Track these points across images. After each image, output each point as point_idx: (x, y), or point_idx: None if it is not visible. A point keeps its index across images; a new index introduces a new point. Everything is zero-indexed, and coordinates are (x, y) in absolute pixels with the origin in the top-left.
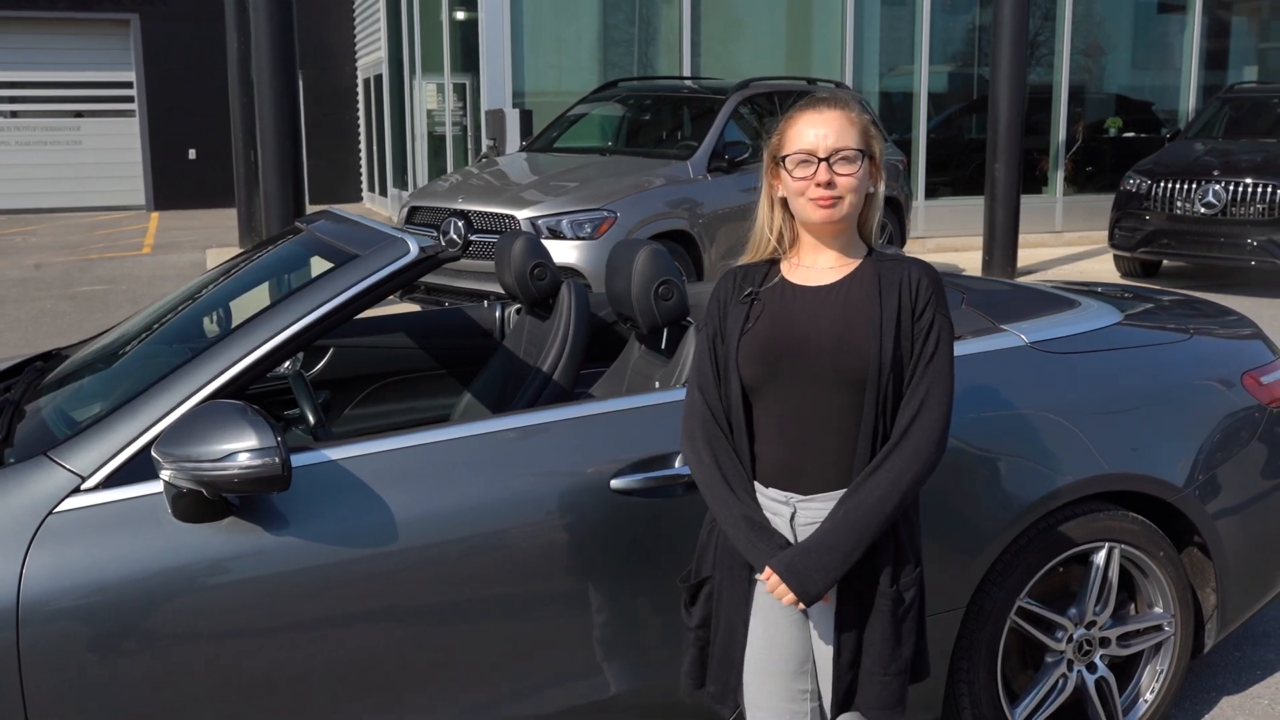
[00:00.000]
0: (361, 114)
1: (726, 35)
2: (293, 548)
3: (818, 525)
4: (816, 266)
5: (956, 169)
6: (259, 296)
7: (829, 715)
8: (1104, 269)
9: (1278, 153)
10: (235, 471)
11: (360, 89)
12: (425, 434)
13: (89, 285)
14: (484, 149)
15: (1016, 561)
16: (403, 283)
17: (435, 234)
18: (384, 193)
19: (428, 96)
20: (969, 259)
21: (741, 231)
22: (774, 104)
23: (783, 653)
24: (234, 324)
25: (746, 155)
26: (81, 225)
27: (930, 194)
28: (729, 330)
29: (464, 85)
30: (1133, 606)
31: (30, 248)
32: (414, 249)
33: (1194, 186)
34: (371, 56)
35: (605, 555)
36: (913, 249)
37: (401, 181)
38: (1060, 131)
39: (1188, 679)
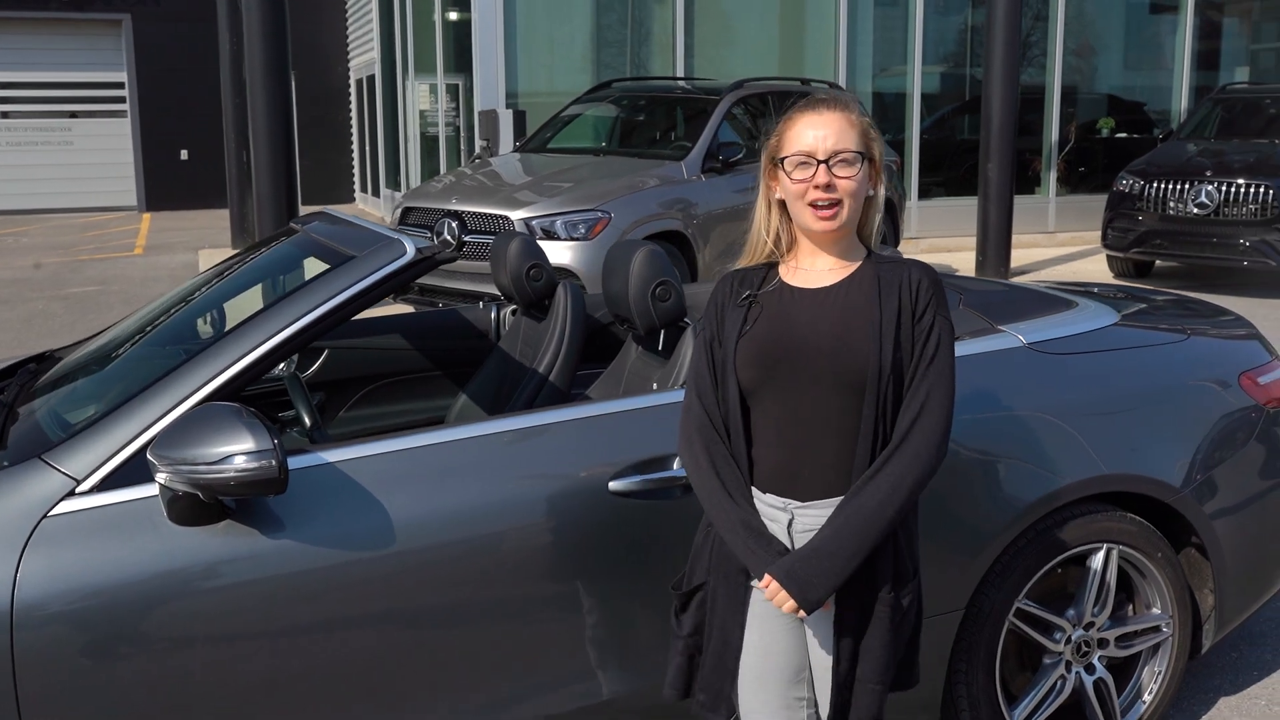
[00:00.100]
0: (354, 115)
1: (720, 36)
2: (289, 551)
3: (815, 532)
4: (815, 269)
5: (949, 169)
6: (254, 298)
7: None
8: (1097, 269)
9: (1270, 153)
10: (231, 474)
11: (353, 89)
12: (423, 436)
13: (81, 286)
14: (477, 150)
15: (1015, 563)
16: (399, 284)
17: (429, 235)
18: (376, 193)
19: (420, 97)
20: (962, 259)
21: (735, 232)
22: (768, 105)
23: (779, 661)
24: (230, 326)
25: (740, 156)
26: (73, 226)
27: (923, 194)
28: (726, 334)
29: (457, 86)
30: (1131, 607)
31: (21, 249)
32: (410, 250)
33: (1187, 187)
34: (364, 57)
35: (604, 557)
36: (906, 249)
37: (394, 182)
38: (1053, 132)
39: (1185, 680)
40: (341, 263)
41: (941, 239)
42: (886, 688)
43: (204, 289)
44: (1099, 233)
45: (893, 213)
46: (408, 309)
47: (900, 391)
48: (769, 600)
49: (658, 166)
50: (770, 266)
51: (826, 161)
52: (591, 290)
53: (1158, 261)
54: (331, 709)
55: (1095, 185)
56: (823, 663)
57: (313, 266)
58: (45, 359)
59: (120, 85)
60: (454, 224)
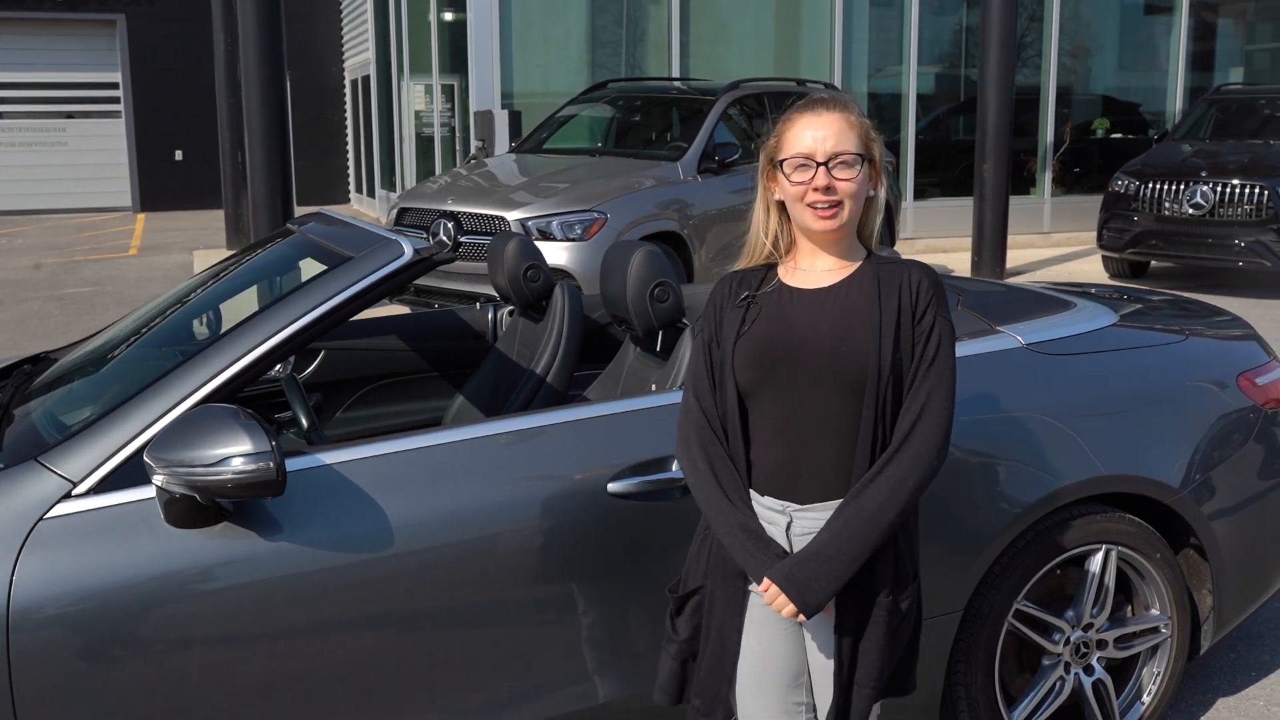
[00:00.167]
0: (349, 115)
1: (715, 36)
2: (287, 553)
3: (814, 535)
4: (815, 269)
5: (945, 170)
6: (251, 299)
7: None
8: (1092, 270)
9: (1265, 154)
10: (229, 476)
11: (348, 90)
12: (422, 438)
13: (76, 287)
14: (473, 150)
15: (1014, 564)
16: (397, 285)
17: (425, 235)
18: (372, 194)
19: (416, 97)
20: (957, 260)
21: (731, 233)
22: (763, 105)
23: (778, 666)
24: (227, 327)
25: (736, 156)
26: (68, 227)
27: (919, 195)
28: (724, 334)
29: (452, 86)
30: (1130, 609)
31: (16, 249)
32: (408, 251)
33: (1182, 187)
34: (359, 57)
35: (603, 560)
36: (901, 250)
37: (389, 183)
38: (1048, 133)
39: (1183, 681)
40: (339, 264)
41: (937, 239)
42: (879, 692)
43: (201, 290)
44: (1094, 233)
45: (889, 213)
46: (403, 310)
47: (900, 393)
48: (768, 604)
49: (654, 167)
50: (769, 267)
51: (826, 164)
52: (587, 291)
53: (1153, 262)
54: (329, 711)
55: (1090, 186)
56: (822, 667)
57: (310, 267)
58: (41, 360)
59: (114, 86)
60: (450, 225)
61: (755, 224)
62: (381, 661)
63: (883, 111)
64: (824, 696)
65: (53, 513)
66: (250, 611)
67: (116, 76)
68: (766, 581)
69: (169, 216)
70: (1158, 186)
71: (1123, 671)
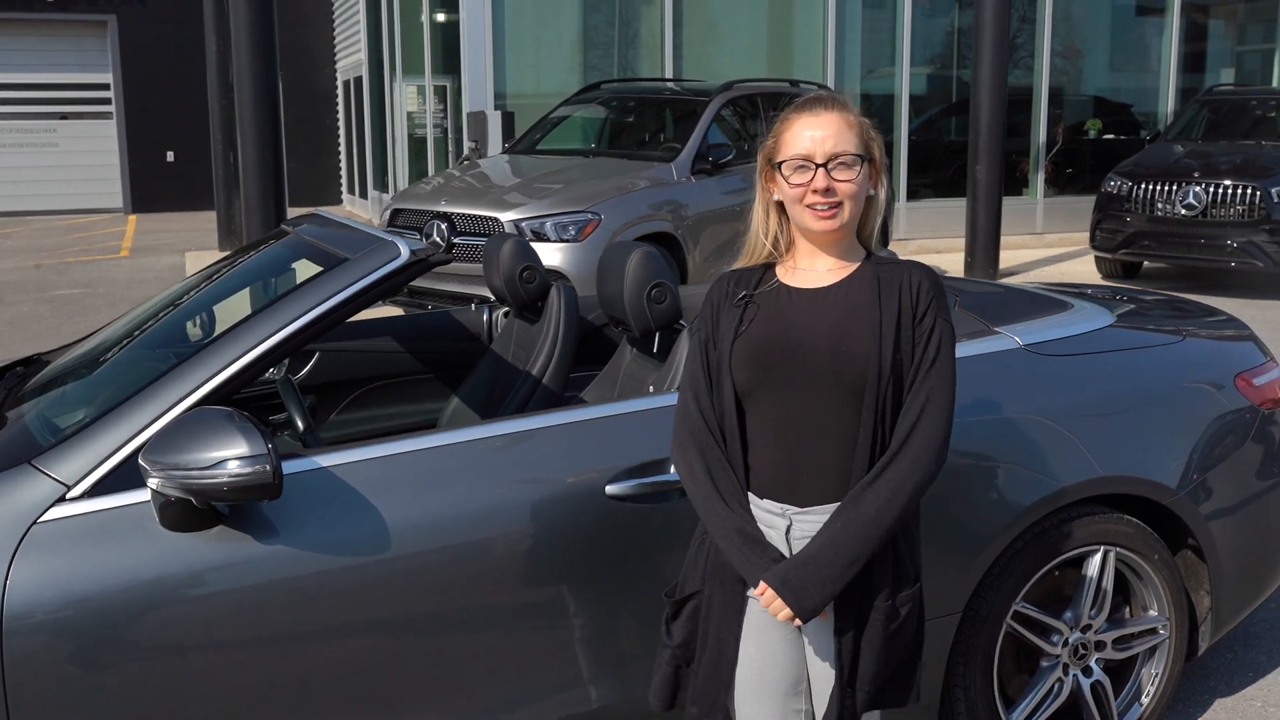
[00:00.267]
0: (341, 116)
1: (708, 37)
2: (284, 556)
3: (812, 538)
4: (814, 269)
5: (937, 171)
6: (246, 301)
7: None
8: (1085, 270)
9: (1256, 154)
10: (225, 479)
11: (340, 91)
12: (419, 440)
13: (67, 289)
14: (466, 151)
15: (1012, 565)
16: (394, 286)
17: (418, 236)
18: (364, 195)
19: (408, 98)
20: (950, 260)
21: (725, 234)
22: (757, 106)
23: (776, 673)
24: (222, 328)
25: (730, 157)
26: (58, 228)
27: (911, 196)
28: (722, 335)
29: (445, 87)
30: (1128, 610)
31: (6, 251)
32: (405, 252)
33: (1174, 188)
34: (351, 58)
35: (601, 563)
36: (894, 251)
37: (382, 184)
38: (1040, 133)
39: (1181, 682)
40: (335, 265)
41: (930, 240)
42: (871, 697)
43: (195, 291)
44: (1087, 234)
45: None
46: (396, 311)
47: (900, 394)
48: (764, 608)
49: (647, 168)
50: (767, 267)
51: (825, 165)
52: (581, 292)
53: (1146, 263)
54: (325, 714)
55: (1083, 186)
56: (821, 673)
57: (305, 269)
58: (33, 362)
59: (105, 86)
60: (443, 226)
61: (754, 225)
62: (377, 665)
63: (875, 112)
64: (823, 703)
65: (47, 516)
66: (246, 615)
67: (108, 77)
68: (762, 585)
69: (160, 218)
70: (1150, 187)
71: (1121, 673)
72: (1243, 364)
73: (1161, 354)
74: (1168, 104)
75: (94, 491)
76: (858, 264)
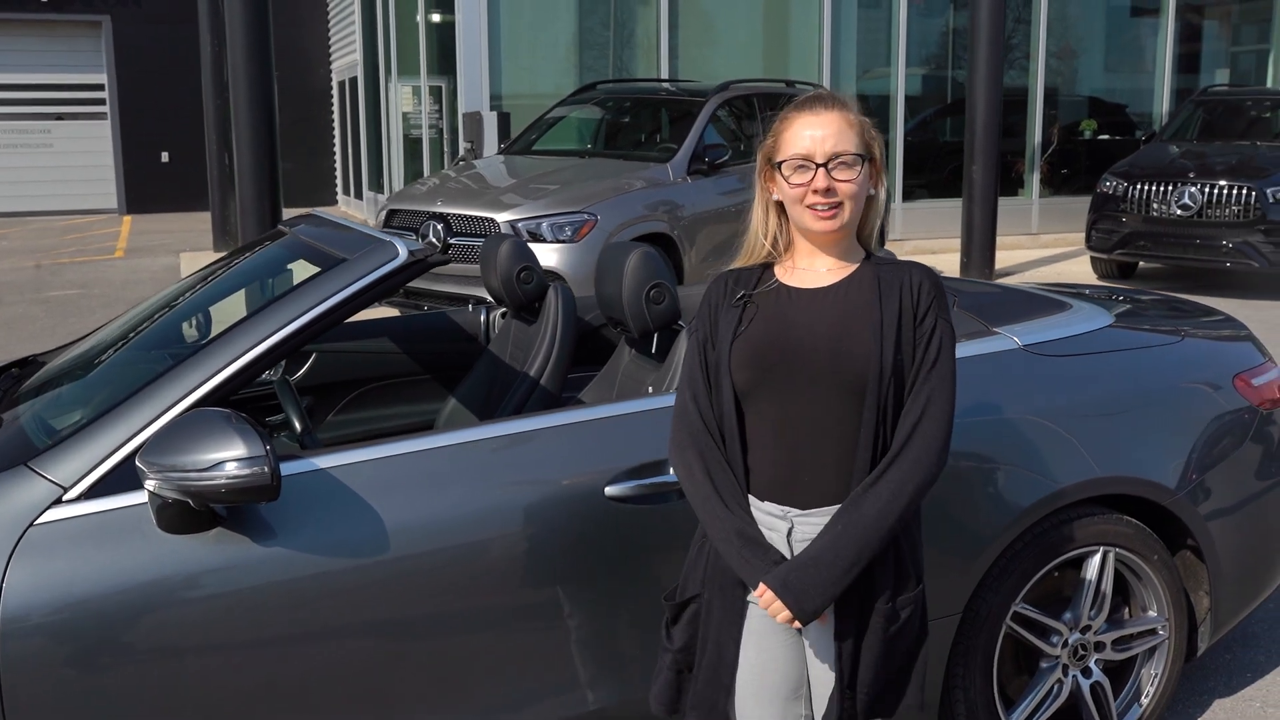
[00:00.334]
0: (336, 117)
1: (704, 38)
2: (282, 558)
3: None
4: (813, 269)
5: (933, 171)
6: (242, 301)
7: None
8: (1081, 270)
9: (1252, 155)
10: (223, 481)
11: (335, 91)
12: (417, 441)
13: (61, 290)
14: (461, 152)
15: (1012, 566)
16: (391, 287)
17: (414, 237)
18: (359, 196)
19: (403, 99)
20: (946, 261)
21: (722, 234)
22: (753, 106)
23: (776, 677)
24: (219, 329)
25: (726, 158)
26: (53, 229)
27: (907, 196)
28: (720, 335)
29: (440, 88)
30: (1127, 610)
31: (1, 252)
32: (403, 253)
33: (1170, 189)
34: (346, 59)
35: (600, 564)
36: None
37: (377, 185)
38: (1036, 134)
39: (1180, 683)
40: (333, 265)
41: (926, 241)
42: (869, 699)
43: (192, 292)
44: (1082, 234)
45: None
46: (392, 312)
47: (900, 395)
48: (764, 610)
49: (644, 169)
50: (766, 266)
51: (825, 165)
52: (576, 292)
53: (1141, 263)
54: (323, 716)
55: (1078, 187)
56: (821, 677)
57: (302, 269)
58: (29, 364)
59: (100, 87)
60: (439, 226)
61: (753, 224)
62: (376, 668)
63: (871, 113)
64: (824, 706)
65: (43, 519)
66: (244, 618)
67: (102, 78)
68: (762, 587)
69: (155, 219)
70: (1146, 187)
71: (1120, 673)
72: (1241, 364)
73: (1160, 354)
74: (1163, 104)
75: (91, 493)
76: (857, 264)
